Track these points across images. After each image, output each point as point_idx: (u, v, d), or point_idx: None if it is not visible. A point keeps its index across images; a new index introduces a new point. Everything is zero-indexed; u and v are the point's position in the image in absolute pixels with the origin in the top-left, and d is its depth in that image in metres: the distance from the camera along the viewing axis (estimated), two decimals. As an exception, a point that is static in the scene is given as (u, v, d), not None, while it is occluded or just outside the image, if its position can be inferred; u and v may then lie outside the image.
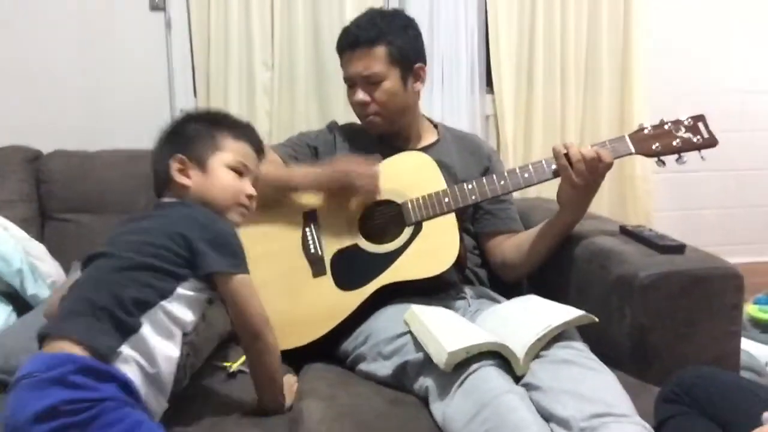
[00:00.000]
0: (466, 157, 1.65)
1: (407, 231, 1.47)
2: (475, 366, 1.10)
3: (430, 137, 1.68)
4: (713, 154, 1.39)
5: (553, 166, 1.41)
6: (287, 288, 1.47)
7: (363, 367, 1.33)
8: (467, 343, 1.10)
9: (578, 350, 1.14)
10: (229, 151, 1.20)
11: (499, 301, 1.49)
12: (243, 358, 1.31)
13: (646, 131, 1.41)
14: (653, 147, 1.39)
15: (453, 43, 2.69)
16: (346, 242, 1.49)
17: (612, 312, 1.27)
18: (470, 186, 1.47)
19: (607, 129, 2.75)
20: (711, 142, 1.38)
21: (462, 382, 1.09)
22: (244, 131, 1.25)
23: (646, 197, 2.76)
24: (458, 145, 1.67)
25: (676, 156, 1.39)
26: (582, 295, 1.35)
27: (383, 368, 1.27)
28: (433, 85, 2.67)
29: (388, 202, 1.51)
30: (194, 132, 1.22)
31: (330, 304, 1.44)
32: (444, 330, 1.17)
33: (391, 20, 1.58)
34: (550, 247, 1.49)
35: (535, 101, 2.70)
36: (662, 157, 1.40)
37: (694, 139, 1.38)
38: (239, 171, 1.20)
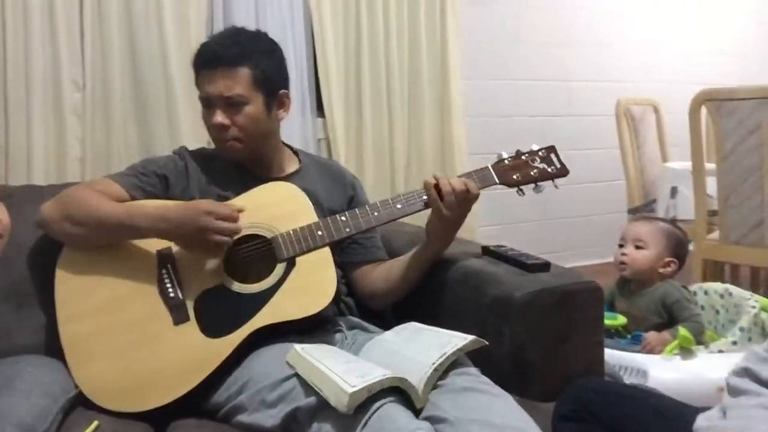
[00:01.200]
0: (329, 184, 1.60)
1: (279, 267, 1.39)
2: (377, 405, 1.05)
3: (291, 165, 1.60)
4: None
5: (425, 197, 1.41)
6: (143, 339, 1.32)
7: (243, 418, 1.22)
8: (368, 381, 1.05)
9: (474, 376, 1.14)
10: None
11: (371, 331, 1.47)
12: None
13: (506, 162, 1.47)
14: (514, 177, 1.46)
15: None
16: (210, 283, 1.36)
17: (489, 333, 1.29)
18: (343, 218, 1.43)
19: (431, 152, 2.90)
20: (563, 172, 1.47)
21: (365, 424, 1.04)
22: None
23: (471, 215, 2.92)
24: (321, 173, 1.62)
25: (533, 185, 1.46)
26: (455, 318, 1.36)
27: (269, 418, 1.17)
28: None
29: (255, 237, 1.41)
30: None
31: (197, 355, 1.30)
32: (336, 369, 1.11)
33: (256, 42, 1.49)
34: (419, 276, 1.49)
35: (365, 125, 2.78)
36: (522, 187, 1.46)
37: (549, 169, 1.46)
38: None
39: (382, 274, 1.54)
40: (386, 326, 1.50)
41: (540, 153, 1.49)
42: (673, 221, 2.18)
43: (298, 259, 1.39)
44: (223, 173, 1.52)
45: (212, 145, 1.57)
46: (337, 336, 1.44)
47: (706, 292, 2.01)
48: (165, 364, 1.30)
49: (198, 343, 1.31)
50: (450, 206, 1.38)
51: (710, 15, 3.81)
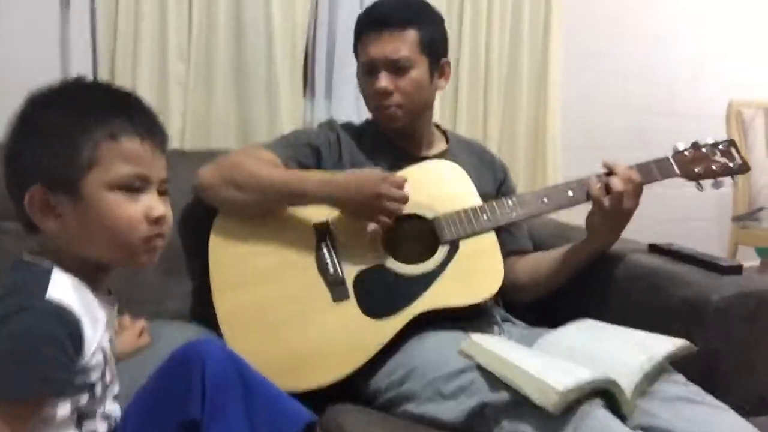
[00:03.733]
0: (479, 167, 1.51)
1: (442, 250, 1.31)
2: (584, 407, 0.96)
3: (439, 144, 1.52)
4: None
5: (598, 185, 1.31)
6: (302, 315, 1.26)
7: (412, 408, 1.14)
8: (580, 381, 0.96)
9: (683, 384, 1.05)
10: (108, 160, 0.80)
11: (518, 325, 1.38)
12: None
13: (686, 153, 1.37)
14: (695, 170, 1.36)
15: None
16: (371, 262, 1.29)
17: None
18: (510, 202, 1.34)
19: (524, 142, 2.79)
20: (744, 168, 1.37)
21: (574, 427, 0.95)
22: (127, 115, 0.82)
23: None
24: (470, 154, 1.53)
25: (712, 180, 1.36)
26: (624, 320, 1.25)
27: (447, 411, 1.09)
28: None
29: (416, 217, 1.33)
30: (50, 134, 0.81)
31: (358, 335, 1.23)
32: (533, 364, 1.03)
33: (423, 7, 1.44)
34: (573, 273, 1.39)
35: (460, 112, 2.70)
36: (701, 181, 1.36)
37: (731, 164, 1.36)
38: (133, 187, 0.81)
39: (529, 267, 1.45)
40: (527, 321, 1.42)
41: (720, 146, 1.39)
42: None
43: (462, 243, 1.31)
44: (374, 148, 1.45)
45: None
46: (495, 328, 1.35)
47: None
48: (325, 343, 1.23)
49: (359, 323, 1.24)
50: (617, 199, 1.27)
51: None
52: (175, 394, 0.88)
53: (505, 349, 1.10)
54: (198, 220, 1.35)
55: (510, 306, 1.46)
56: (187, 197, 1.39)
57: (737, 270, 1.24)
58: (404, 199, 1.26)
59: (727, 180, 1.37)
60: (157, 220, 0.83)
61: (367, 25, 1.40)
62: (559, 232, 1.56)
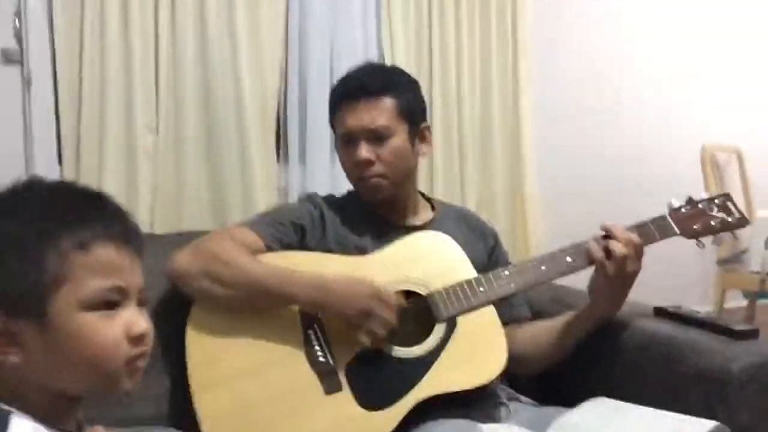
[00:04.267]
0: (468, 235, 1.43)
1: (438, 329, 1.22)
2: None
3: (425, 213, 1.45)
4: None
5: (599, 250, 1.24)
6: (292, 412, 1.16)
7: None
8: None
9: None
10: (80, 275, 0.68)
11: (525, 403, 1.29)
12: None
13: (683, 210, 1.31)
14: (694, 227, 1.30)
15: None
16: (361, 345, 1.19)
17: (692, 411, 1.10)
18: (506, 273, 1.27)
19: (502, 196, 2.74)
20: (744, 222, 1.32)
21: None
22: (97, 219, 0.71)
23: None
24: (457, 222, 1.45)
25: (711, 237, 1.31)
26: (636, 393, 1.17)
27: None
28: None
29: (408, 293, 1.25)
30: (5, 248, 0.68)
31: (355, 430, 1.13)
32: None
33: (396, 73, 1.42)
34: (576, 343, 1.30)
35: (436, 168, 2.66)
36: (701, 239, 1.31)
37: (729, 219, 1.31)
38: (110, 302, 0.70)
39: (529, 337, 1.36)
40: (532, 396, 1.33)
41: (716, 201, 1.34)
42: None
43: (460, 320, 1.23)
44: (358, 221, 1.38)
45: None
46: (502, 411, 1.26)
47: None
48: None
49: (355, 417, 1.15)
50: (621, 263, 1.21)
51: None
52: None
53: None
54: (171, 312, 1.24)
55: (512, 379, 1.37)
56: (158, 285, 1.29)
57: (753, 334, 1.17)
58: (390, 324, 1.18)
59: (726, 235, 1.32)
60: (140, 338, 0.71)
61: (342, 96, 1.35)
62: (558, 297, 1.48)
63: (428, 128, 1.43)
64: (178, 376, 1.22)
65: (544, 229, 2.79)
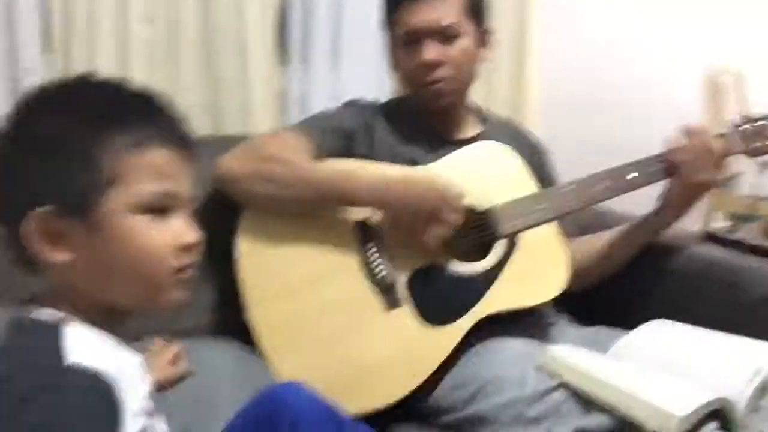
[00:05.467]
0: (517, 148, 1.35)
1: (499, 245, 1.18)
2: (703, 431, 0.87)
3: (474, 126, 1.37)
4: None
5: (661, 165, 1.21)
6: (352, 327, 1.12)
7: None
8: (697, 404, 0.86)
9: None
10: (133, 176, 0.65)
11: (570, 323, 1.28)
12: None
13: (746, 127, 1.26)
14: (757, 144, 1.26)
15: (364, 17, 2.53)
16: (423, 261, 1.15)
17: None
18: (568, 189, 1.22)
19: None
20: None
21: None
22: (152, 120, 0.68)
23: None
24: (505, 136, 1.37)
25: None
26: (697, 321, 1.15)
27: None
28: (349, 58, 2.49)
29: (470, 209, 1.19)
30: (57, 147, 0.64)
31: (417, 346, 1.11)
32: (640, 384, 0.92)
33: None
34: (633, 253, 1.28)
35: None
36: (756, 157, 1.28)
37: None
38: (162, 208, 0.67)
39: (584, 249, 1.33)
40: (573, 314, 1.32)
41: None
42: None
43: (521, 236, 1.18)
44: (407, 132, 1.30)
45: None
46: (554, 330, 1.24)
47: None
48: (382, 357, 1.10)
49: (417, 332, 1.11)
50: (703, 167, 1.18)
51: None
52: None
53: (597, 366, 0.99)
54: (218, 219, 1.16)
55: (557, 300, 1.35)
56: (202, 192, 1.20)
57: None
58: (457, 223, 1.12)
59: None
60: (190, 248, 0.68)
61: None
62: (600, 218, 1.44)
63: (492, 32, 1.32)
64: (225, 286, 1.16)
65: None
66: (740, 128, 1.27)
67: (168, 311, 0.70)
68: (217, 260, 1.15)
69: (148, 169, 0.66)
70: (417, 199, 1.11)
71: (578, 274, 1.29)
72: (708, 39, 3.30)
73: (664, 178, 1.23)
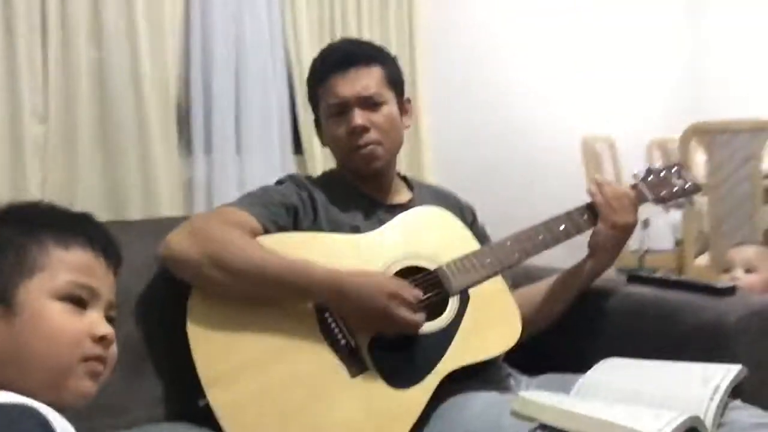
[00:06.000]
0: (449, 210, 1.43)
1: (453, 301, 1.21)
2: None
3: (405, 191, 1.43)
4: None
5: (584, 217, 1.32)
6: (318, 398, 1.09)
7: None
8: (675, 423, 0.91)
9: (753, 408, 1.04)
10: (56, 267, 0.74)
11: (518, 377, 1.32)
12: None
13: (650, 179, 1.40)
14: (662, 194, 1.39)
15: (264, 105, 2.63)
16: None
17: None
18: (509, 243, 1.28)
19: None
20: (699, 187, 1.43)
21: None
22: (83, 230, 0.79)
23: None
24: (435, 200, 1.44)
25: (674, 203, 1.41)
26: (637, 355, 1.24)
27: None
28: (251, 146, 2.56)
29: (417, 269, 1.22)
30: None
31: (387, 410, 1.10)
32: (615, 413, 0.96)
33: (377, 46, 1.41)
34: (572, 298, 1.36)
35: None
36: (665, 205, 1.40)
37: (686, 186, 1.41)
38: (79, 300, 0.75)
39: (524, 299, 1.38)
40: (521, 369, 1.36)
41: (673, 170, 1.43)
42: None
43: (472, 291, 1.23)
44: (345, 200, 1.34)
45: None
46: (510, 381, 1.27)
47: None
48: (352, 426, 1.08)
49: (385, 397, 1.11)
50: (622, 209, 1.30)
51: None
52: None
53: (567, 403, 1.03)
54: (164, 302, 1.12)
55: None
56: (143, 275, 1.16)
57: (732, 291, 1.28)
58: (415, 325, 1.13)
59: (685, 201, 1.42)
60: (102, 340, 0.75)
61: (332, 65, 1.31)
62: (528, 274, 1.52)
63: (409, 101, 1.42)
64: (174, 374, 1.11)
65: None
66: (648, 179, 1.40)
67: (76, 407, 0.72)
68: (164, 348, 1.11)
69: (71, 264, 0.75)
70: (373, 296, 1.11)
71: (524, 323, 1.33)
72: (583, 109, 3.68)
73: (591, 225, 1.32)
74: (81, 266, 0.76)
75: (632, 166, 3.41)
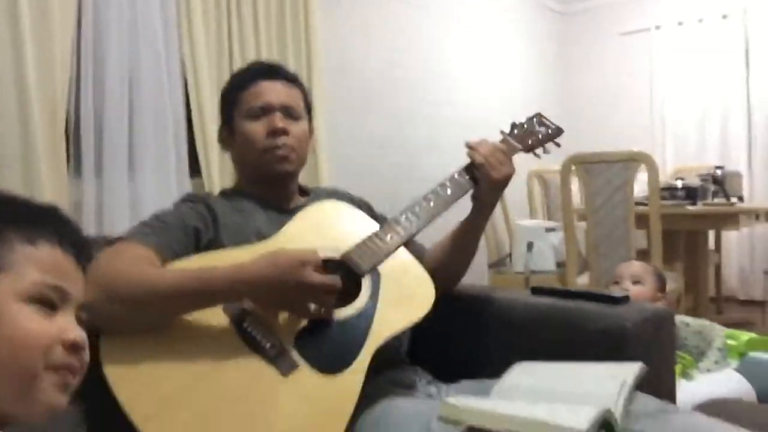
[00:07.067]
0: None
1: (366, 282, 1.25)
2: None
3: (299, 198, 1.49)
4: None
5: (466, 176, 1.41)
6: (257, 408, 1.08)
7: None
8: (592, 416, 0.98)
9: (652, 398, 1.13)
10: (23, 266, 0.68)
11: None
12: None
13: (516, 132, 1.51)
14: (529, 142, 1.50)
15: (159, 125, 2.59)
16: (302, 320, 1.17)
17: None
18: (403, 217, 1.35)
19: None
20: (560, 130, 1.55)
21: None
22: (50, 224, 0.73)
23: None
24: (331, 195, 1.51)
25: (541, 149, 1.53)
26: (539, 358, 1.32)
27: None
28: (144, 167, 2.50)
29: (325, 261, 1.24)
30: None
31: (327, 399, 1.10)
32: (538, 411, 1.02)
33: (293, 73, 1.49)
34: (471, 251, 1.49)
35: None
36: (536, 151, 1.52)
37: (549, 132, 1.53)
38: (49, 302, 0.69)
39: (434, 259, 1.48)
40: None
41: (535, 119, 1.55)
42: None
43: (380, 269, 1.28)
44: (248, 209, 1.37)
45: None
46: (433, 388, 1.32)
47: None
48: (297, 423, 1.07)
49: (321, 385, 1.11)
50: (501, 163, 1.38)
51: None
52: None
53: (490, 404, 1.08)
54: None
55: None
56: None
57: (627, 300, 1.40)
58: (331, 286, 1.14)
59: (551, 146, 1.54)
60: (74, 347, 0.68)
61: (261, 74, 1.41)
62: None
63: (312, 130, 1.51)
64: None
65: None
66: (514, 133, 1.52)
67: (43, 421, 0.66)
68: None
69: (39, 263, 0.69)
70: (284, 271, 1.11)
71: (440, 277, 1.38)
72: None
73: (473, 184, 1.41)
74: (50, 265, 0.70)
75: (514, 196, 3.66)
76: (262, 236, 1.30)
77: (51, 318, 0.68)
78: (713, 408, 1.12)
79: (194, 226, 1.28)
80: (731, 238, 4.56)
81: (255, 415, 1.06)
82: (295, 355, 1.13)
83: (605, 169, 2.72)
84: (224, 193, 1.45)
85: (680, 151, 4.81)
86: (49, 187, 2.22)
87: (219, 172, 2.70)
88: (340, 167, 3.16)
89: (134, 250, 1.18)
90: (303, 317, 1.16)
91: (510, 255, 3.36)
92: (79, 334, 0.69)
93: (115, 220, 2.42)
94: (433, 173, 3.47)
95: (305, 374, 1.12)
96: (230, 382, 1.08)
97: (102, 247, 1.18)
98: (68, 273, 0.72)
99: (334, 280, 1.15)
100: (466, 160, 1.43)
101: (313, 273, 1.12)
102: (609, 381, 1.12)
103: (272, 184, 1.41)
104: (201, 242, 1.27)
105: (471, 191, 1.42)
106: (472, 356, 1.43)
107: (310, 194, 1.50)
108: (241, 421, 1.05)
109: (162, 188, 2.58)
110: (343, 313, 1.19)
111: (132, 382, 1.07)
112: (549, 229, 3.25)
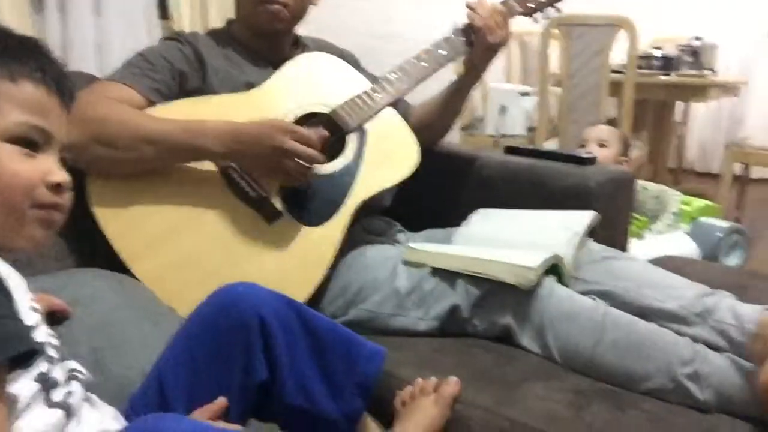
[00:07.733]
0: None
1: (352, 139, 1.27)
2: (547, 284, 1.08)
3: (295, 48, 1.45)
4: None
5: (462, 38, 1.38)
6: (241, 251, 1.15)
7: (383, 325, 1.15)
8: (541, 258, 1.07)
9: (602, 246, 1.22)
10: (5, 104, 0.66)
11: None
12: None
13: None
14: (528, 5, 1.45)
15: None
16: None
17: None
18: (395, 75, 1.34)
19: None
20: None
21: (546, 302, 1.05)
22: (34, 60, 0.69)
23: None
24: (319, 48, 1.47)
25: (541, 12, 1.47)
26: None
27: (419, 322, 1.12)
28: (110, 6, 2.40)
29: (313, 115, 1.27)
30: None
31: (308, 248, 1.17)
32: (495, 252, 1.11)
33: None
34: (457, 110, 1.50)
35: (211, 23, 2.61)
36: (534, 15, 1.47)
37: None
38: (32, 142, 0.68)
39: (420, 114, 1.50)
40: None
41: None
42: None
43: (367, 127, 1.29)
44: (237, 58, 1.35)
45: None
46: (401, 237, 1.38)
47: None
48: (278, 270, 1.15)
49: (303, 236, 1.18)
50: (497, 26, 1.35)
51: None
52: (233, 356, 0.77)
53: (452, 249, 1.15)
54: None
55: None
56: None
57: (593, 161, 1.45)
58: (310, 156, 1.14)
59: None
60: (58, 188, 0.68)
61: None
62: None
63: None
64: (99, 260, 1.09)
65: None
66: None
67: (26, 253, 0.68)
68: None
69: (21, 102, 0.66)
70: (265, 134, 1.12)
71: (425, 132, 1.42)
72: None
73: (468, 46, 1.39)
74: (33, 104, 0.67)
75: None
76: (252, 86, 1.29)
77: (34, 158, 0.67)
78: (659, 263, 1.21)
79: (181, 69, 1.26)
80: (699, 110, 4.61)
81: (240, 259, 1.13)
82: (278, 203, 1.17)
83: (585, 32, 2.69)
84: (213, 36, 1.38)
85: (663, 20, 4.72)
86: (9, 22, 2.12)
87: (189, 17, 2.60)
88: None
89: (121, 91, 1.17)
90: (285, 183, 1.18)
91: (482, 118, 3.37)
92: (62, 175, 0.69)
93: (81, 60, 2.36)
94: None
95: (288, 224, 1.17)
96: (215, 227, 1.14)
97: (85, 84, 1.17)
98: (50, 113, 0.69)
99: (317, 133, 1.16)
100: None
101: (300, 145, 1.13)
102: (561, 231, 1.20)
103: (263, 38, 1.36)
104: (187, 86, 1.26)
105: (463, 54, 1.39)
106: (444, 210, 1.48)
107: (301, 45, 1.45)
108: (225, 265, 1.11)
109: (129, 29, 2.49)
110: (327, 167, 1.22)
111: (120, 223, 1.11)
112: (523, 93, 3.25)
